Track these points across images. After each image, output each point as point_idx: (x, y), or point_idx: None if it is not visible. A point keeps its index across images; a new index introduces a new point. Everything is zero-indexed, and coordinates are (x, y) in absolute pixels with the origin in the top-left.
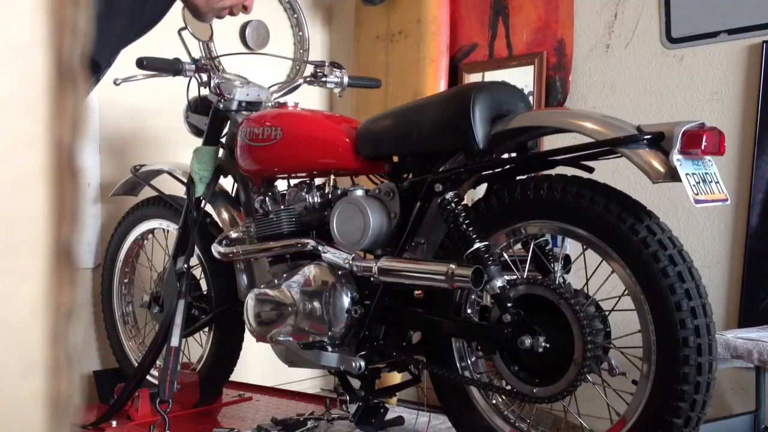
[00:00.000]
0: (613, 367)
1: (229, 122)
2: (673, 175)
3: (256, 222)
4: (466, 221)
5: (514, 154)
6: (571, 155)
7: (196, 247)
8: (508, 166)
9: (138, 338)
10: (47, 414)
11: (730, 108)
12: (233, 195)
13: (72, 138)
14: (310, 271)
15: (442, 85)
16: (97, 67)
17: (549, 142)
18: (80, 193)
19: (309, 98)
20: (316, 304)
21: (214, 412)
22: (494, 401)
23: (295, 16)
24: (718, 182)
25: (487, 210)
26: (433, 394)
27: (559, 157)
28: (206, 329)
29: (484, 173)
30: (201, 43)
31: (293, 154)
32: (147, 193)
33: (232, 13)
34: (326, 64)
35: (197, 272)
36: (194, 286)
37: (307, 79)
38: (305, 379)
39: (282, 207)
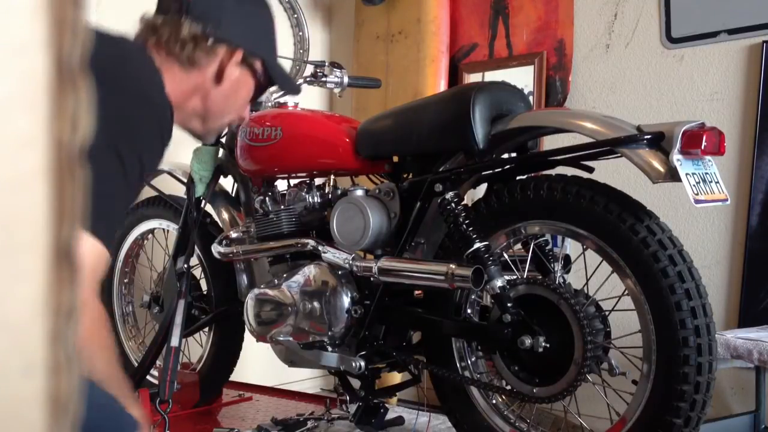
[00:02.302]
0: (613, 367)
1: None
2: (673, 175)
3: (256, 222)
4: (466, 221)
5: (514, 154)
6: (571, 155)
7: (196, 247)
8: (508, 166)
9: (138, 338)
10: (47, 414)
11: (730, 108)
12: (233, 195)
13: (72, 138)
14: (310, 271)
15: (442, 85)
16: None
17: (549, 142)
18: (80, 193)
19: (309, 98)
20: (316, 304)
21: (214, 412)
22: (494, 401)
23: (295, 16)
24: (718, 182)
25: (487, 210)
26: (433, 394)
27: (559, 157)
28: (206, 329)
29: (484, 173)
30: None
31: (293, 154)
32: (147, 193)
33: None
34: (326, 64)
35: (197, 272)
36: (194, 286)
37: (307, 79)
38: (305, 379)
39: (282, 207)
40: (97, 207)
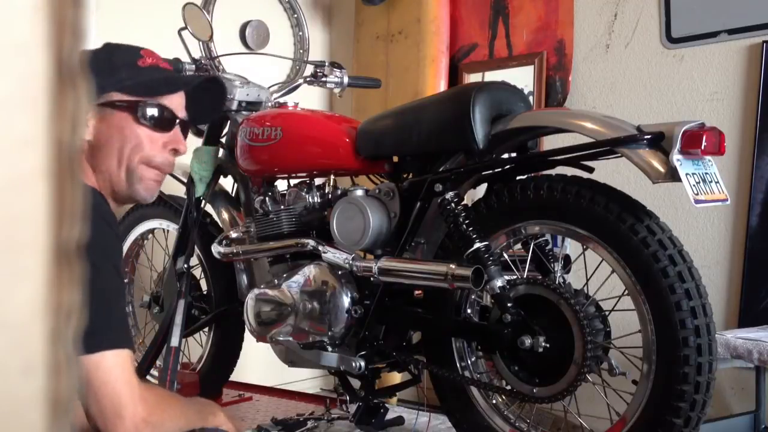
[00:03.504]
0: (613, 367)
1: (229, 122)
2: (673, 175)
3: (256, 222)
4: (466, 221)
5: (514, 154)
6: (571, 155)
7: (196, 247)
8: (508, 166)
9: (138, 338)
10: (47, 414)
11: (730, 108)
12: (233, 195)
13: (72, 138)
14: (310, 271)
15: (442, 85)
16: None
17: (549, 142)
18: (80, 193)
19: (309, 98)
20: (316, 304)
21: None
22: (494, 401)
23: (295, 16)
24: (718, 182)
25: (487, 210)
26: (433, 394)
27: (559, 157)
28: (206, 329)
29: (484, 173)
30: (201, 43)
31: (293, 154)
32: None
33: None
34: (326, 64)
35: (197, 272)
36: (194, 286)
37: (307, 79)
38: (305, 379)
39: (282, 207)
40: (98, 323)
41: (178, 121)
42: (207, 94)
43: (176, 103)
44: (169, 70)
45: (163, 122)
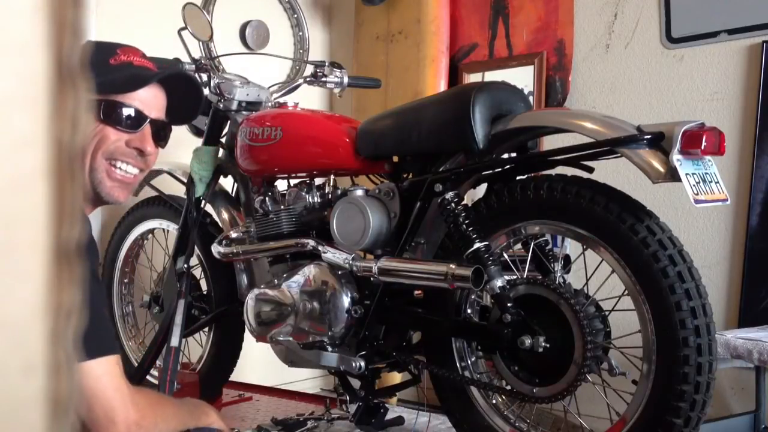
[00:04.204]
0: (613, 367)
1: (229, 122)
2: (673, 175)
3: (256, 222)
4: (466, 221)
5: (514, 154)
6: (571, 155)
7: (196, 247)
8: (508, 166)
9: (138, 338)
10: (47, 414)
11: (730, 108)
12: (233, 195)
13: (72, 138)
14: (310, 271)
15: (442, 85)
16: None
17: (549, 142)
18: (80, 193)
19: (309, 98)
20: (316, 304)
21: None
22: (494, 401)
23: (295, 16)
24: (718, 182)
25: (487, 210)
26: (433, 394)
27: (559, 157)
28: (206, 329)
29: (484, 173)
30: (201, 43)
31: (293, 154)
32: (147, 193)
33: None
34: (326, 64)
35: (197, 272)
36: (194, 286)
37: (307, 79)
38: (305, 379)
39: (282, 207)
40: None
41: (149, 120)
42: (186, 95)
43: (147, 101)
44: (146, 67)
45: (128, 120)
